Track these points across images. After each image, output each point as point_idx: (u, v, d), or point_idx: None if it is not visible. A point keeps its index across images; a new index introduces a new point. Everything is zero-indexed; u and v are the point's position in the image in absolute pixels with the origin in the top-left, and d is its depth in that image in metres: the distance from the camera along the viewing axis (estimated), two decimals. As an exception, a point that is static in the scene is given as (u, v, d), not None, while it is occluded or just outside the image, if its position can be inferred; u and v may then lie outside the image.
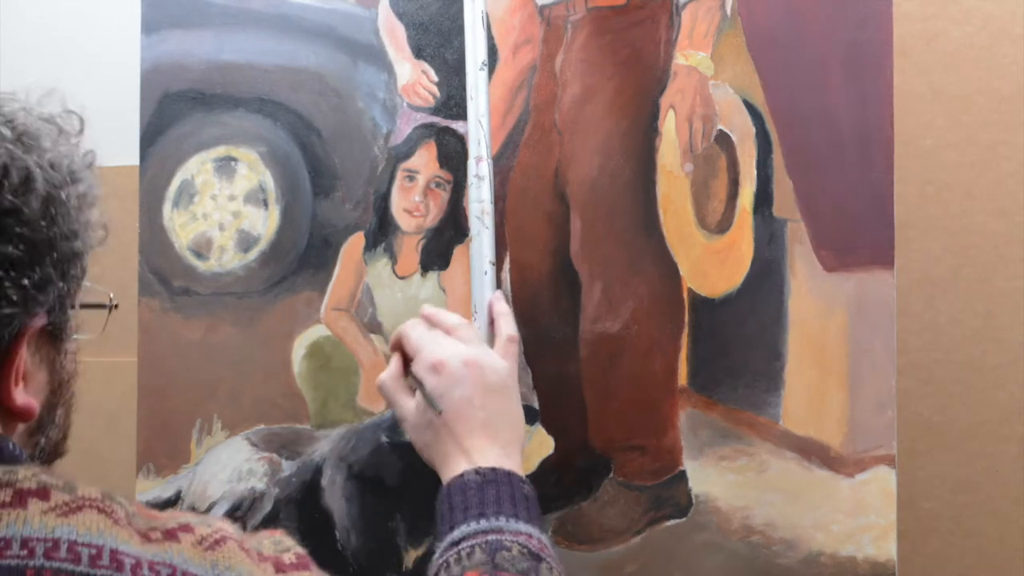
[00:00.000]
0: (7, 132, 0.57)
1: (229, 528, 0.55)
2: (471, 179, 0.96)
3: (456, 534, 0.74)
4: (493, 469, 0.77)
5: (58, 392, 0.65)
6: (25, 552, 0.47)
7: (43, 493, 0.51)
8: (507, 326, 0.91)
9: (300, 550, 0.55)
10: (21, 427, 0.61)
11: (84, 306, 0.67)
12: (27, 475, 0.52)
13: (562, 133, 1.03)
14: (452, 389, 0.83)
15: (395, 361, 0.89)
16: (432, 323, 0.89)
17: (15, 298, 0.55)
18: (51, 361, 0.63)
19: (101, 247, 0.66)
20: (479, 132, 0.96)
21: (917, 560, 1.15)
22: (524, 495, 0.77)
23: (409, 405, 0.85)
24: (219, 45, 1.13)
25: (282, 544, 0.55)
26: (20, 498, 0.50)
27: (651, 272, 0.99)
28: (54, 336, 0.63)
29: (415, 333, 0.88)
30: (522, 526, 0.74)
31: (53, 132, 0.61)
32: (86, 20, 1.67)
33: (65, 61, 1.68)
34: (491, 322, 0.92)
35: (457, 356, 0.84)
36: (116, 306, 0.70)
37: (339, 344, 1.09)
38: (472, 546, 0.72)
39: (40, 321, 0.59)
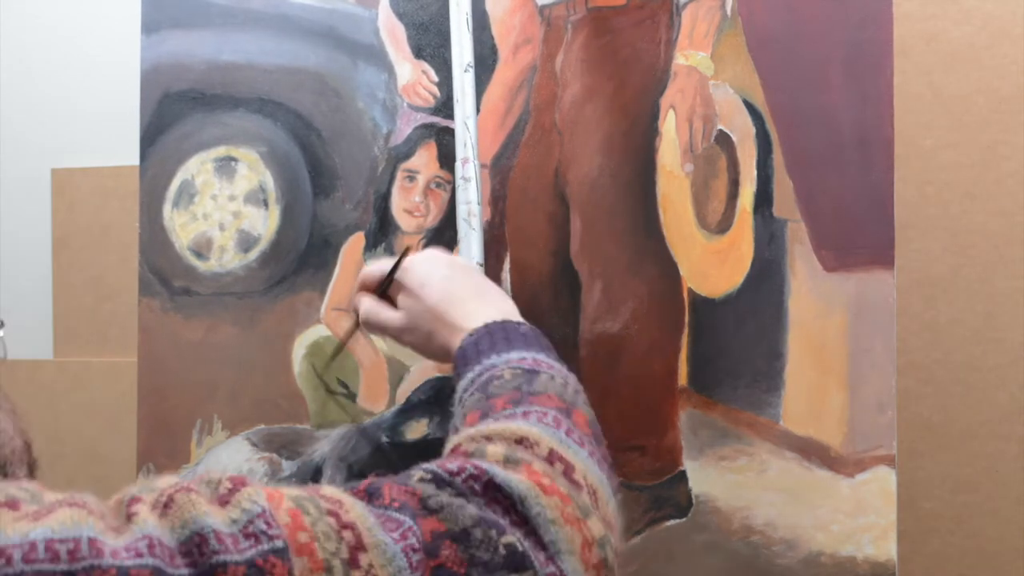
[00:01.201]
0: None
1: (169, 480, 0.54)
2: (458, 181, 0.96)
3: (458, 392, 0.73)
4: (485, 325, 0.77)
5: None
6: (3, 561, 0.46)
7: (12, 504, 0.50)
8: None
9: (230, 474, 0.54)
10: None
11: None
12: None
13: (562, 133, 1.03)
14: (431, 275, 0.83)
15: (364, 297, 0.89)
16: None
17: None
18: None
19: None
20: (465, 134, 0.96)
21: (917, 560, 1.15)
22: (520, 333, 0.76)
23: (395, 316, 0.85)
24: (219, 45, 1.13)
25: (212, 481, 0.54)
26: None
27: (651, 272, 0.99)
28: None
29: (371, 266, 0.89)
30: (514, 354, 0.73)
31: None
32: (86, 20, 1.67)
33: (65, 61, 1.68)
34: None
35: (423, 252, 0.87)
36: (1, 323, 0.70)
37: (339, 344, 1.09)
38: (471, 392, 0.71)
39: None
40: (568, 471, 0.61)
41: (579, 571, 0.57)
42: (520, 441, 0.61)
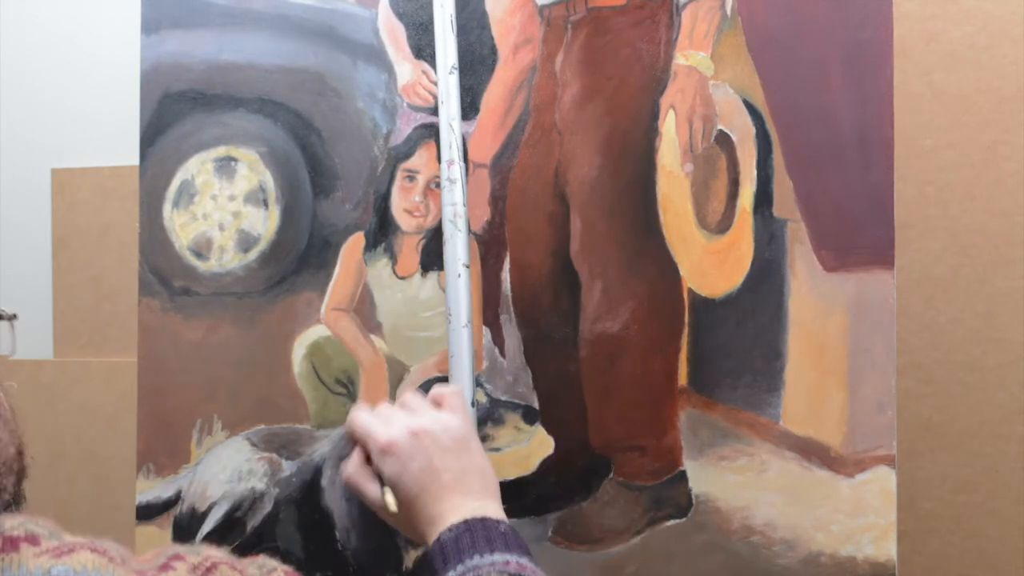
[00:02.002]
0: None
1: (218, 553, 0.54)
2: (443, 182, 0.96)
3: None
4: (465, 521, 0.76)
5: None
6: None
7: (32, 539, 0.50)
8: (444, 386, 0.89)
9: (286, 567, 0.54)
10: None
11: None
12: (13, 524, 0.51)
13: (562, 133, 1.03)
14: (408, 465, 0.81)
15: (356, 452, 0.86)
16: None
17: None
18: None
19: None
20: (451, 136, 0.96)
21: (917, 560, 1.15)
22: (500, 533, 0.76)
23: (377, 491, 0.84)
24: (219, 45, 1.13)
25: (267, 566, 0.54)
26: (11, 543, 0.49)
27: (651, 272, 0.99)
28: None
29: (360, 419, 0.86)
30: (497, 556, 0.73)
31: None
32: (86, 20, 1.67)
33: (65, 61, 1.68)
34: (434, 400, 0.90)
35: (404, 431, 0.82)
36: (14, 316, 0.69)
37: (339, 344, 1.09)
38: None
39: None
40: None
41: None
42: None
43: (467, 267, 0.95)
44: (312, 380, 1.09)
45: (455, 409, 0.85)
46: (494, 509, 0.80)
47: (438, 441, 0.82)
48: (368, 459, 0.85)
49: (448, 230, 0.95)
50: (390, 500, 0.81)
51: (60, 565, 0.48)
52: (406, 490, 0.81)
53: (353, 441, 0.87)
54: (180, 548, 0.54)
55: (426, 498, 0.80)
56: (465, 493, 0.80)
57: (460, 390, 0.88)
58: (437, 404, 0.86)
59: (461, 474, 0.81)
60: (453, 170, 0.96)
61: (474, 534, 0.75)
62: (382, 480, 0.83)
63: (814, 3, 0.95)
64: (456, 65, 0.98)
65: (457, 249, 0.95)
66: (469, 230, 1.03)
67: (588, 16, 1.02)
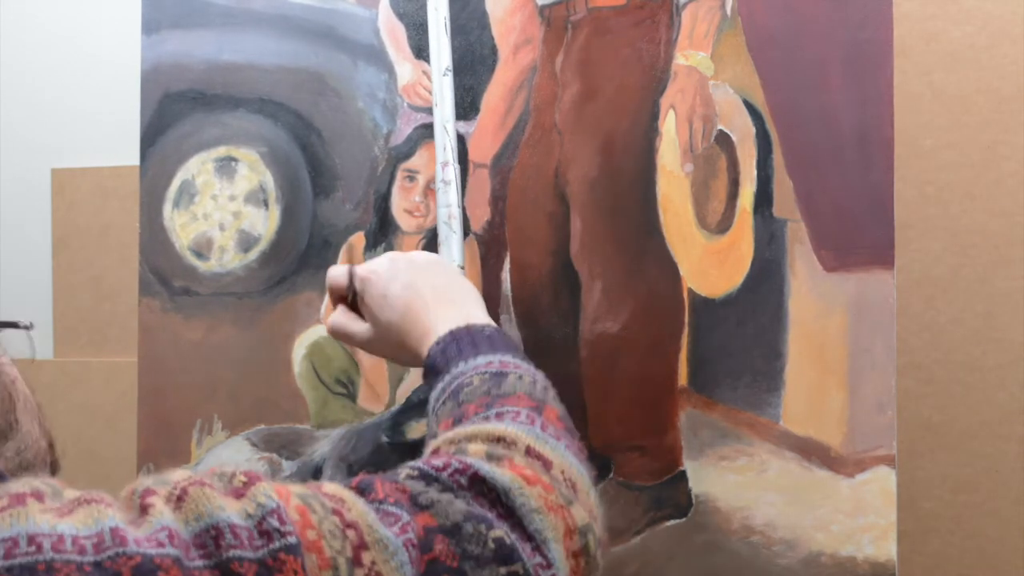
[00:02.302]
0: None
1: (182, 474, 0.55)
2: (438, 184, 0.96)
3: (431, 404, 0.74)
4: (450, 331, 0.77)
5: (7, 399, 0.64)
6: (33, 548, 0.47)
7: (38, 495, 0.51)
8: None
9: (244, 469, 0.55)
10: None
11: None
12: (18, 484, 0.52)
13: (562, 133, 1.03)
14: (390, 285, 0.83)
15: (333, 306, 0.89)
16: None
17: None
18: None
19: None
20: (444, 138, 0.96)
21: (917, 560, 1.15)
22: (485, 336, 0.77)
23: (363, 327, 0.86)
24: (219, 45, 1.13)
25: (226, 474, 0.55)
26: (18, 499, 0.50)
27: (651, 272, 0.99)
28: None
29: (335, 270, 0.89)
30: (481, 359, 0.74)
31: None
32: (86, 20, 1.67)
33: (65, 61, 1.68)
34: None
35: (382, 258, 0.86)
36: (30, 326, 0.70)
37: (339, 344, 1.09)
38: (443, 401, 0.72)
39: None
40: (547, 466, 0.62)
41: (561, 558, 0.58)
42: (498, 440, 0.62)
43: (462, 268, 0.95)
44: (312, 380, 1.09)
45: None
46: (478, 315, 0.81)
47: (414, 262, 0.85)
48: (347, 307, 0.87)
49: (443, 231, 0.95)
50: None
51: (63, 524, 0.49)
52: (391, 312, 0.82)
53: (332, 295, 0.89)
54: (145, 481, 0.55)
55: (412, 316, 0.81)
56: (449, 303, 0.81)
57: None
58: None
59: (442, 287, 0.83)
60: (448, 172, 0.96)
61: (460, 342, 0.76)
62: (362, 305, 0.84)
63: (814, 3, 0.95)
64: (450, 67, 0.98)
65: (452, 250, 0.95)
66: (466, 231, 1.03)
67: (588, 16, 1.02)
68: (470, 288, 0.86)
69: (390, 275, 0.84)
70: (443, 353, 0.76)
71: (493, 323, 0.80)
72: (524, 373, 0.73)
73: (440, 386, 0.74)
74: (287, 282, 1.11)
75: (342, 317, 0.88)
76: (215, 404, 1.11)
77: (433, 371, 0.76)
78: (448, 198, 0.96)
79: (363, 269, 0.86)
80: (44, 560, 0.47)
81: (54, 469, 0.67)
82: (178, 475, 0.54)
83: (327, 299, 1.09)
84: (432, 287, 0.83)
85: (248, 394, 1.11)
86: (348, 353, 1.09)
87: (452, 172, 0.96)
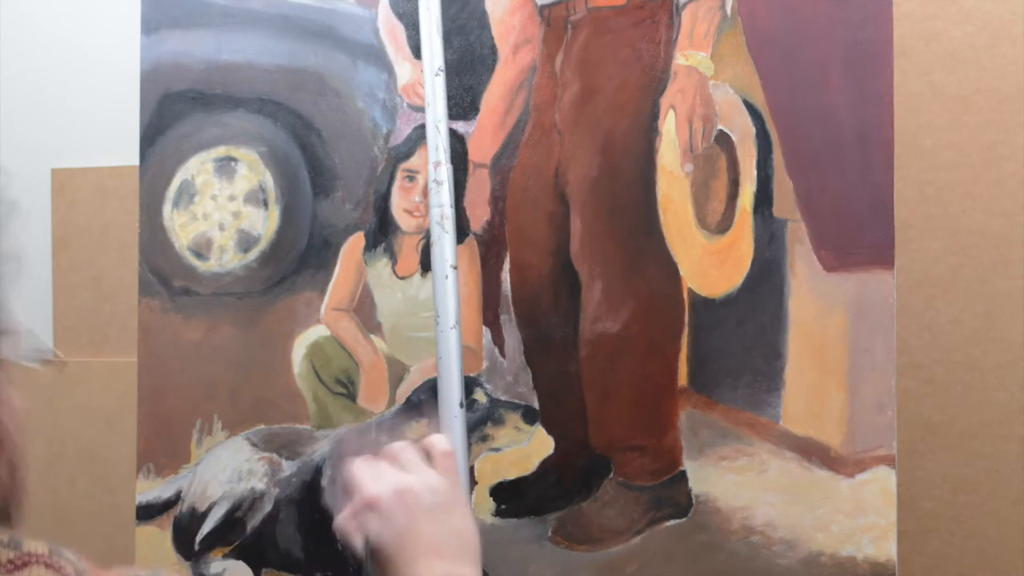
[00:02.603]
0: None
1: None
2: (430, 184, 0.96)
3: None
4: None
5: None
6: None
7: None
8: (438, 442, 0.90)
9: None
10: None
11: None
12: None
13: (562, 133, 1.03)
14: (387, 523, 0.82)
15: (349, 502, 0.89)
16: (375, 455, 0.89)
17: None
18: None
19: (14, 285, 0.63)
20: (437, 137, 0.96)
21: (917, 560, 1.15)
22: None
23: (360, 545, 0.85)
24: (219, 45, 1.13)
25: None
26: None
27: (651, 272, 0.99)
28: None
29: (352, 472, 0.87)
30: None
31: None
32: (86, 20, 1.67)
33: (65, 61, 1.68)
34: (427, 452, 0.91)
35: (389, 488, 0.83)
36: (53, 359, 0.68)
37: (339, 344, 1.09)
38: None
39: None
40: None
41: None
42: None
43: (455, 268, 0.95)
44: (312, 380, 1.09)
45: (445, 471, 0.86)
46: (469, 573, 0.81)
47: (421, 502, 0.83)
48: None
49: (435, 232, 0.95)
50: (367, 566, 0.83)
51: None
52: (384, 548, 0.82)
53: (348, 491, 0.88)
54: (141, 571, 0.54)
55: (403, 558, 0.81)
56: (441, 556, 0.81)
57: (451, 451, 0.89)
58: (427, 453, 0.87)
59: (439, 537, 0.82)
60: (440, 172, 0.95)
61: None
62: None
63: (814, 3, 0.95)
64: (442, 68, 0.98)
65: (445, 250, 0.94)
66: (466, 231, 1.03)
67: (588, 16, 1.02)
68: (469, 539, 0.84)
69: (391, 512, 0.82)
70: None
71: None
72: None
73: None
74: (287, 282, 1.11)
75: (348, 526, 0.86)
76: (215, 404, 1.11)
77: None
78: (440, 198, 0.95)
79: (369, 493, 0.83)
80: None
81: (7, 522, 0.64)
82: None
83: (327, 299, 1.09)
84: (429, 535, 0.82)
85: (248, 394, 1.11)
86: (348, 353, 1.09)
87: (444, 172, 0.96)
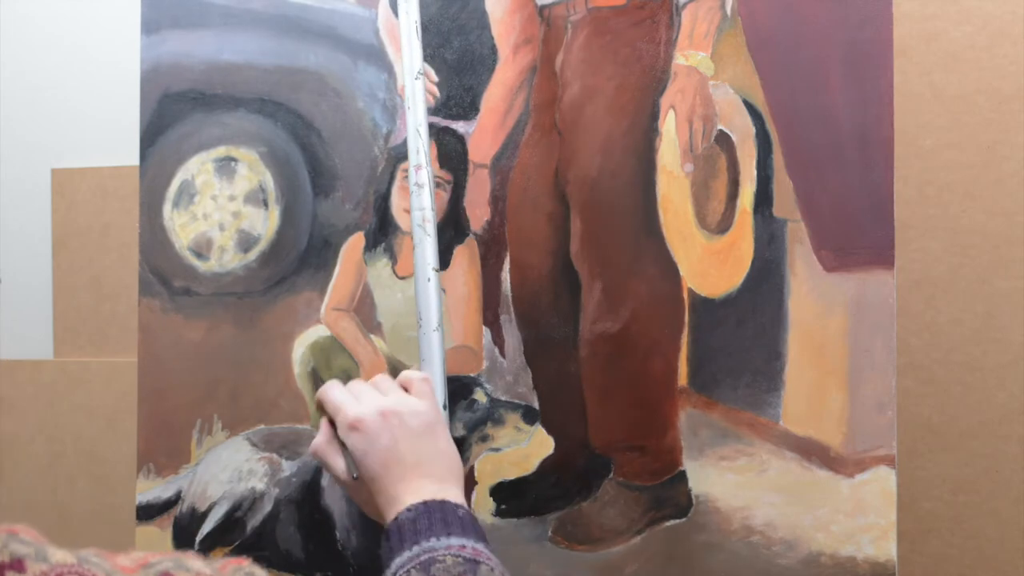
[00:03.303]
0: None
1: (198, 564, 0.54)
2: (412, 187, 0.96)
3: (392, 568, 0.74)
4: (424, 502, 0.77)
5: None
6: None
7: (18, 565, 0.49)
8: (412, 373, 0.90)
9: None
10: None
11: None
12: None
13: (562, 133, 1.03)
14: (374, 443, 0.82)
15: (324, 424, 0.88)
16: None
17: None
18: None
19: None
20: (417, 141, 0.96)
21: (917, 560, 1.15)
22: (458, 517, 0.77)
23: (341, 465, 0.85)
24: (219, 45, 1.13)
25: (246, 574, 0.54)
26: None
27: (651, 272, 0.99)
28: None
29: (332, 394, 0.87)
30: (454, 540, 0.74)
31: None
32: (86, 20, 1.67)
33: (65, 61, 1.68)
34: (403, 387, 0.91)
35: (373, 409, 0.84)
36: None
37: (339, 344, 1.09)
38: (408, 570, 0.72)
39: None
40: None
41: None
42: None
43: (436, 271, 0.95)
44: (312, 380, 1.10)
45: (423, 395, 0.87)
46: (455, 493, 0.81)
47: (405, 423, 0.83)
48: (336, 433, 0.86)
49: (417, 235, 0.95)
50: (351, 466, 0.83)
51: None
52: (369, 468, 0.82)
53: (322, 413, 0.89)
54: (168, 562, 0.53)
55: (388, 478, 0.81)
56: (427, 475, 0.81)
57: (428, 377, 0.90)
58: (405, 389, 0.88)
59: (425, 457, 0.82)
60: (421, 175, 0.95)
61: (432, 516, 0.76)
62: (345, 452, 0.84)
63: (814, 3, 0.95)
64: (422, 70, 0.98)
65: (426, 253, 0.94)
66: (466, 231, 1.03)
67: (588, 16, 1.02)
68: (455, 461, 0.84)
69: (376, 432, 0.82)
70: (413, 522, 0.76)
71: (466, 506, 0.80)
72: (495, 567, 0.73)
73: (407, 553, 0.74)
74: (287, 282, 1.11)
75: (327, 448, 0.87)
76: (215, 404, 1.11)
77: (398, 535, 0.76)
78: (422, 201, 0.95)
79: (353, 413, 0.84)
80: None
81: None
82: (195, 562, 0.53)
83: (327, 299, 1.09)
84: (415, 455, 0.82)
85: (248, 394, 1.11)
86: (348, 353, 1.09)
87: (425, 175, 0.96)
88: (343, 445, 0.85)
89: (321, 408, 0.89)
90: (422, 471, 0.81)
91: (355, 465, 0.83)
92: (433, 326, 0.93)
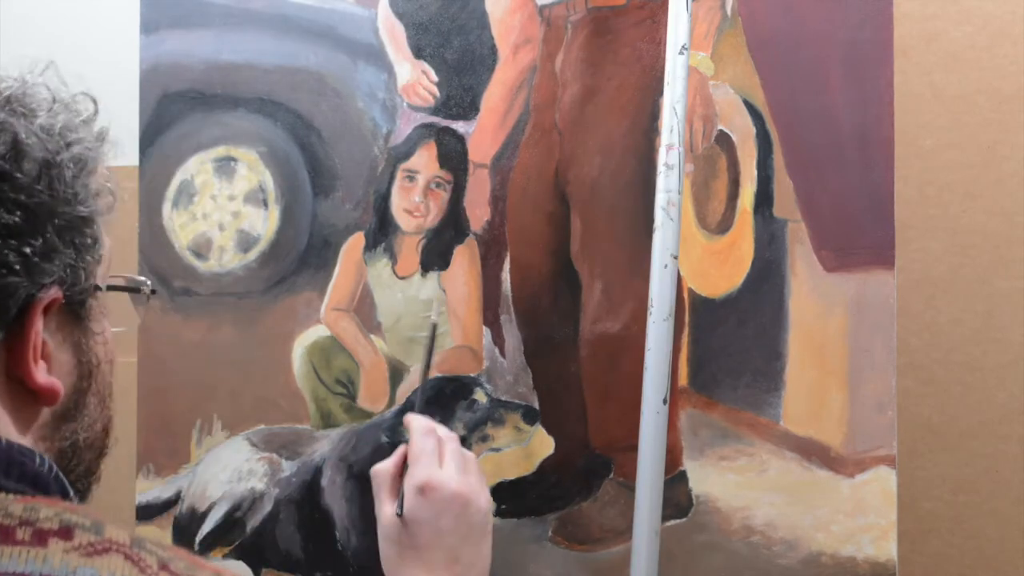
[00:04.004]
0: None
1: None
2: (660, 167, 0.91)
3: None
4: None
5: (87, 378, 0.62)
6: None
7: (65, 532, 0.49)
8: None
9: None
10: (46, 413, 0.58)
11: (112, 288, 0.65)
12: (48, 515, 0.50)
13: (562, 133, 1.03)
14: (431, 518, 0.80)
15: (398, 455, 0.86)
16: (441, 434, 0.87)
17: (18, 267, 0.53)
18: (76, 342, 0.61)
19: (111, 214, 0.64)
20: (672, 120, 0.90)
21: (917, 560, 1.15)
22: None
23: (389, 510, 0.83)
24: (219, 45, 1.13)
25: None
26: (40, 537, 0.48)
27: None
28: (75, 314, 0.60)
29: (422, 439, 0.84)
30: None
31: (47, 98, 0.60)
32: (85, 20, 1.67)
33: (65, 61, 1.67)
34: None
35: (449, 483, 0.81)
36: (154, 292, 0.68)
37: (339, 344, 1.09)
38: None
39: (53, 294, 0.57)
40: None
41: None
42: None
43: (674, 258, 0.90)
44: (312, 380, 1.09)
45: (484, 487, 0.84)
46: None
47: (467, 515, 0.81)
48: (402, 470, 0.84)
49: (660, 217, 0.89)
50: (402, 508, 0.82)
51: (87, 567, 0.47)
52: (414, 535, 0.80)
53: (403, 440, 0.86)
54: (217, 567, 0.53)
55: (426, 556, 0.80)
56: (459, 566, 0.80)
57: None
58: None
59: (464, 558, 0.81)
60: (671, 156, 0.90)
61: None
62: (401, 503, 0.83)
63: (814, 3, 0.95)
64: (687, 45, 0.92)
65: (667, 238, 0.89)
66: (466, 231, 1.03)
67: (588, 16, 1.02)
68: (484, 572, 0.83)
69: (438, 508, 0.81)
70: None
71: None
72: None
73: None
74: (287, 282, 1.11)
75: (385, 479, 0.85)
76: (215, 404, 1.11)
77: None
78: (669, 183, 0.90)
79: (425, 475, 0.81)
80: None
81: (100, 454, 0.65)
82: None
83: (327, 299, 1.09)
84: (457, 551, 0.80)
85: (248, 394, 1.11)
86: (348, 353, 1.09)
87: (676, 156, 0.91)
88: (402, 495, 0.83)
89: (407, 433, 0.86)
90: (452, 570, 0.80)
91: (404, 525, 0.82)
92: (665, 315, 0.89)
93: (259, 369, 1.10)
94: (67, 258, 0.57)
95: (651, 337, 0.89)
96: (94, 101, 0.63)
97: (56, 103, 0.60)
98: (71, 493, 0.56)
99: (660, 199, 0.90)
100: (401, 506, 0.81)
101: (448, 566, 0.80)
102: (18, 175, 0.54)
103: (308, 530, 1.08)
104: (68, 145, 0.59)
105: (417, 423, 0.86)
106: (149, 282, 0.69)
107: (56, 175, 0.57)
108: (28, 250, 0.54)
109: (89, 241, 0.60)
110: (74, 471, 0.60)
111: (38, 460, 0.54)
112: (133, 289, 0.68)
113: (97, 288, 0.61)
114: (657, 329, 0.89)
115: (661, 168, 0.91)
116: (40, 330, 0.56)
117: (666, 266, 0.90)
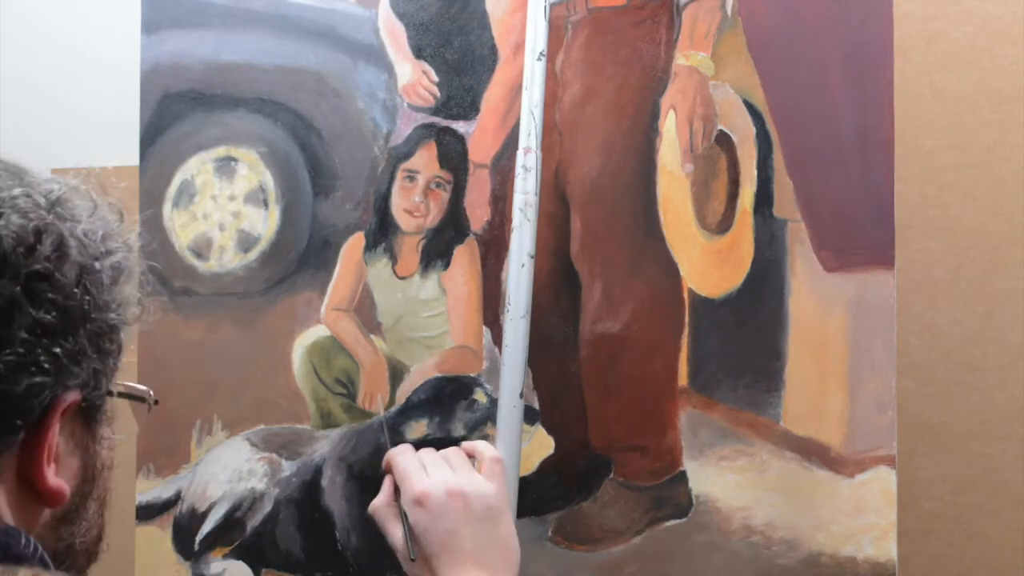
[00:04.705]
0: (41, 200, 0.56)
1: None
2: (518, 169, 0.94)
3: None
4: None
5: (91, 482, 0.62)
6: None
7: None
8: (487, 448, 0.89)
9: None
10: (47, 515, 0.59)
11: (122, 395, 0.66)
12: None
13: (562, 133, 1.03)
14: (436, 523, 0.81)
15: (387, 486, 0.88)
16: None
17: (47, 366, 0.54)
18: (84, 446, 0.61)
19: (136, 324, 0.64)
20: (530, 123, 0.92)
21: (917, 560, 1.15)
22: None
23: (399, 534, 0.84)
24: (219, 45, 1.13)
25: None
26: None
27: (651, 272, 0.99)
28: (89, 417, 0.61)
29: (402, 460, 0.86)
30: None
31: (88, 205, 0.61)
32: (86, 20, 1.67)
33: (65, 61, 1.68)
34: (469, 454, 0.89)
35: (441, 486, 0.83)
36: (156, 402, 0.69)
37: (339, 344, 1.09)
38: None
39: (73, 396, 0.57)
40: None
41: None
42: None
43: (531, 257, 0.93)
44: (312, 380, 1.09)
45: (492, 477, 0.85)
46: None
47: (470, 506, 0.82)
48: (396, 496, 0.86)
49: (517, 218, 0.92)
50: (411, 547, 0.82)
51: None
52: (427, 547, 0.81)
53: (387, 472, 0.88)
54: None
55: (444, 560, 0.80)
56: (481, 565, 0.80)
57: (500, 458, 0.88)
58: (470, 456, 0.87)
59: (483, 545, 0.81)
60: (529, 158, 0.93)
61: None
62: (406, 523, 0.83)
63: (814, 3, 0.95)
64: (544, 51, 0.95)
65: (524, 238, 0.93)
66: (466, 231, 1.03)
67: (588, 16, 1.02)
68: (512, 551, 0.84)
69: (440, 512, 0.82)
70: None
71: None
72: None
73: None
74: (287, 282, 1.11)
75: (386, 513, 0.86)
76: (215, 404, 1.11)
77: None
78: (527, 185, 0.93)
79: (419, 487, 0.83)
80: None
81: (91, 560, 0.65)
82: None
83: (327, 299, 1.09)
84: (474, 542, 0.81)
85: (248, 394, 1.11)
86: (348, 353, 1.09)
87: (533, 159, 0.93)
88: (404, 515, 0.84)
89: (388, 469, 0.88)
90: (477, 560, 0.80)
91: (414, 541, 0.82)
92: (521, 313, 0.92)
93: (259, 369, 1.10)
94: (93, 363, 0.59)
95: (507, 334, 0.92)
96: (121, 212, 0.63)
97: (98, 209, 0.60)
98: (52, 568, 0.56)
99: (518, 200, 0.93)
100: (409, 539, 0.82)
101: (469, 560, 0.80)
102: (59, 276, 0.55)
103: (308, 530, 1.08)
104: (107, 253, 0.60)
105: (392, 450, 0.88)
106: (151, 392, 0.69)
107: (94, 280, 0.58)
108: (59, 351, 0.55)
109: (114, 348, 0.62)
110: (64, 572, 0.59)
111: (23, 540, 0.54)
112: (138, 398, 0.69)
113: (110, 393, 0.62)
114: (514, 327, 0.92)
115: (519, 170, 0.94)
116: (57, 432, 0.56)
117: (523, 265, 0.93)
